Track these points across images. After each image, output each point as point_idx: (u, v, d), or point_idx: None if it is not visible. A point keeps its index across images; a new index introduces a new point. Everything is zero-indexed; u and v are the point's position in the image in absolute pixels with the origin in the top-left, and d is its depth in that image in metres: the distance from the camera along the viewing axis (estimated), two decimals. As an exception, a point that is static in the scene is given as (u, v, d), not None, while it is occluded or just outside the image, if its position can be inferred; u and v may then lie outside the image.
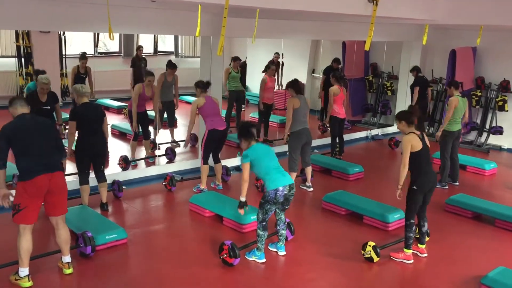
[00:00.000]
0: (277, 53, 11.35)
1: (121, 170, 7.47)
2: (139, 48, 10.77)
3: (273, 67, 9.78)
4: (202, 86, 6.82)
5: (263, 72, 10.11)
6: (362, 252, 5.08)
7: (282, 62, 11.62)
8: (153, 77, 7.89)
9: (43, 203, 4.35)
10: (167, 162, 8.16)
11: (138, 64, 10.40)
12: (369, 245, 5.03)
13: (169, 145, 8.83)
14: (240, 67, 10.22)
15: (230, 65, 9.93)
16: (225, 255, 4.80)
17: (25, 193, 4.17)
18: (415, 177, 4.98)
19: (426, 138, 5.09)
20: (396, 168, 7.50)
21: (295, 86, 6.90)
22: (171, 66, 8.68)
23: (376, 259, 5.00)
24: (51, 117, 6.62)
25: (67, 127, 6.56)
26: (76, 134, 5.83)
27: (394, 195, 5.17)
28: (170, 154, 8.33)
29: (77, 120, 5.70)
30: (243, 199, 4.95)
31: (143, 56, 10.75)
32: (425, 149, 5.00)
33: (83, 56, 8.91)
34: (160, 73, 8.60)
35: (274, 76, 9.86)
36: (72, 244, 4.69)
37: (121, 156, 7.65)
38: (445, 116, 7.48)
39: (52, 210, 4.40)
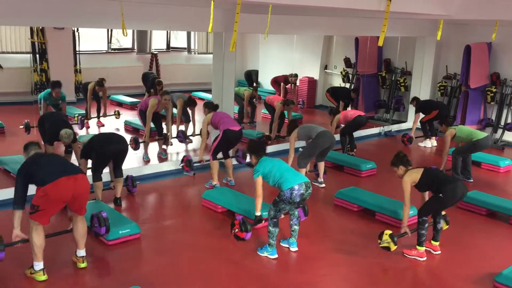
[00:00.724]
0: (294, 75, 11.42)
1: (133, 149, 7.64)
2: (159, 84, 10.04)
3: (292, 106, 9.46)
4: (212, 107, 7.02)
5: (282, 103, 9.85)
6: (379, 241, 5.02)
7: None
8: (169, 96, 7.97)
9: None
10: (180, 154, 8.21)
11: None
12: (386, 234, 4.96)
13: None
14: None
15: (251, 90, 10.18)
16: (237, 230, 4.82)
17: (45, 197, 4.19)
18: (443, 189, 4.90)
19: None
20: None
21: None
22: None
23: (393, 247, 4.93)
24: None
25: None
26: None
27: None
28: (181, 137, 8.37)
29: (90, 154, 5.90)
30: (258, 213, 4.98)
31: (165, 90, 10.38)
32: (427, 168, 5.05)
33: (101, 84, 9.15)
34: (171, 69, 8.64)
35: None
36: (86, 238, 4.73)
37: (132, 137, 7.75)
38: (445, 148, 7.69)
39: (75, 210, 4.49)
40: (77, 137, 6.68)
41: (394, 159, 5.16)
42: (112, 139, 6.03)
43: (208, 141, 7.37)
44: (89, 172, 5.92)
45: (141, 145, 8.10)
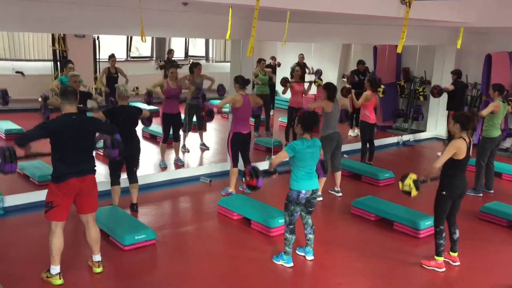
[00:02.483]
0: (301, 54, 11.27)
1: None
2: (170, 51, 10.91)
3: (298, 68, 9.67)
4: (242, 82, 6.72)
5: (290, 76, 10.05)
6: (400, 184, 4.83)
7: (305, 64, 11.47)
8: (175, 69, 7.88)
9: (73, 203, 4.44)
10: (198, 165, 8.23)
11: (169, 67, 10.52)
12: (410, 177, 4.75)
13: (198, 148, 8.89)
14: (270, 69, 10.22)
15: (256, 68, 9.86)
16: (248, 178, 4.74)
17: (58, 192, 4.27)
18: (446, 182, 4.85)
19: (471, 147, 4.91)
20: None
21: (329, 90, 6.78)
22: (196, 65, 8.66)
23: (414, 193, 4.74)
24: None
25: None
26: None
27: (426, 201, 5.06)
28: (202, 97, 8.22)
29: (111, 121, 5.67)
30: (271, 169, 4.85)
31: (174, 59, 10.87)
32: (466, 158, 4.84)
33: (112, 55, 9.33)
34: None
35: (301, 79, 9.74)
36: (102, 244, 4.75)
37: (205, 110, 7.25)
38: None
39: (82, 208, 4.49)
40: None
41: (458, 114, 4.88)
42: (128, 140, 5.67)
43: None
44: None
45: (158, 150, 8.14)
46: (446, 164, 4.79)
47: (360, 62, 10.62)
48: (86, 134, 4.40)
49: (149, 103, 7.65)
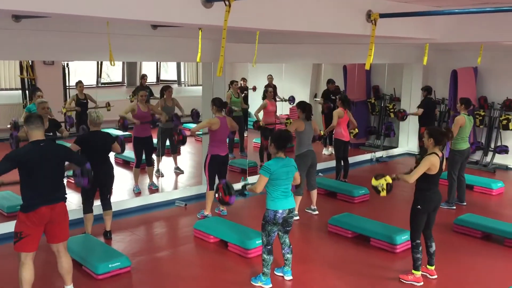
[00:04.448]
0: (270, 75, 11.41)
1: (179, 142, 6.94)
2: (143, 77, 10.86)
3: (270, 89, 9.78)
4: (219, 104, 6.69)
5: (262, 98, 10.15)
6: (373, 180, 4.83)
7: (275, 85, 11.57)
8: (145, 92, 7.84)
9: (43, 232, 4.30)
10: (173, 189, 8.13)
11: (139, 89, 10.45)
12: (386, 180, 4.76)
13: (172, 172, 8.80)
14: (241, 91, 10.27)
15: (229, 90, 9.95)
16: (221, 194, 4.67)
17: (27, 221, 4.13)
18: (420, 196, 4.91)
19: (444, 161, 5.00)
20: (402, 188, 7.45)
21: (305, 110, 6.79)
22: (166, 88, 8.66)
23: (384, 194, 4.77)
24: None
25: None
26: None
27: (401, 216, 5.10)
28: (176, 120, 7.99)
29: (84, 148, 5.64)
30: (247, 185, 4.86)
31: (147, 84, 10.83)
32: (439, 173, 4.93)
33: (79, 82, 9.29)
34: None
35: (274, 99, 9.81)
36: (74, 273, 4.61)
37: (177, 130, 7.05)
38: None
39: (53, 237, 4.35)
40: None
41: (432, 128, 4.99)
42: (100, 166, 5.63)
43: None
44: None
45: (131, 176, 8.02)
46: (420, 179, 4.85)
47: (330, 81, 10.78)
48: (56, 162, 4.30)
49: (124, 129, 7.55)
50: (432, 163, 4.80)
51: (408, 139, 11.47)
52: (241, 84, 11.13)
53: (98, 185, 5.82)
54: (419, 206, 4.89)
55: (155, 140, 8.30)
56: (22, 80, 10.62)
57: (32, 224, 4.14)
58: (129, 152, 8.79)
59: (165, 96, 8.52)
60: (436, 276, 5.12)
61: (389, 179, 4.78)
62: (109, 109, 8.93)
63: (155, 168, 8.43)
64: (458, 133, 7.25)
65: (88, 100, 9.25)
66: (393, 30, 5.15)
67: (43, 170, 4.16)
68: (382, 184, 4.78)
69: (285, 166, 4.74)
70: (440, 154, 4.88)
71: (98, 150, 5.72)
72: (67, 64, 10.63)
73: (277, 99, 10.56)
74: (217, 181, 6.84)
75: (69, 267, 4.46)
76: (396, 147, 11.50)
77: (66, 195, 4.41)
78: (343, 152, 8.54)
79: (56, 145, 4.59)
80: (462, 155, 7.33)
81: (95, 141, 5.71)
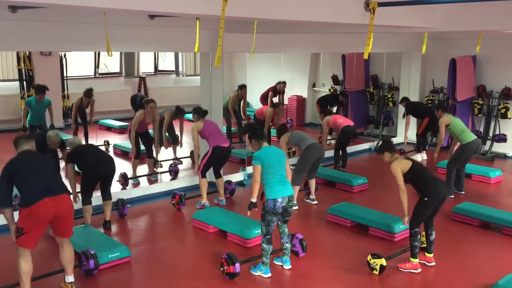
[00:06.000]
0: (283, 82, 11.31)
1: (121, 188, 7.43)
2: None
3: (282, 107, 10.07)
4: (201, 113, 6.83)
5: (271, 106, 10.18)
6: (369, 258, 4.97)
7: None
8: (154, 104, 7.87)
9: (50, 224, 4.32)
10: (171, 179, 8.13)
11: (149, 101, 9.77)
12: (381, 261, 4.90)
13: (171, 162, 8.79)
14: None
15: (236, 91, 10.22)
16: (225, 267, 4.74)
17: (28, 218, 4.12)
18: (425, 190, 4.93)
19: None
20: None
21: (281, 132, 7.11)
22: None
23: (375, 273, 4.92)
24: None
25: None
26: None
27: (399, 205, 5.11)
28: (174, 169, 8.28)
29: (77, 163, 5.84)
30: (254, 200, 4.91)
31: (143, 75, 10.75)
32: (416, 163, 5.02)
33: (90, 94, 8.56)
34: (160, 92, 8.60)
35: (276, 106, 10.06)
36: (75, 263, 4.64)
37: (120, 173, 7.60)
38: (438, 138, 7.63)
39: (59, 232, 4.40)
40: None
41: (381, 146, 5.22)
42: (100, 162, 5.91)
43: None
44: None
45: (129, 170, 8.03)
46: (412, 182, 5.00)
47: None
48: (46, 160, 4.44)
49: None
50: (397, 165, 4.97)
51: (406, 128, 11.47)
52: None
53: (101, 177, 5.90)
54: (426, 199, 4.91)
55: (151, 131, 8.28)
56: (20, 71, 10.57)
57: (34, 220, 4.12)
58: (127, 143, 8.81)
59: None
60: (434, 264, 5.16)
61: (383, 262, 4.90)
62: (107, 147, 9.43)
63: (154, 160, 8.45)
64: (452, 130, 7.38)
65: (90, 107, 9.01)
66: (392, 19, 5.13)
67: (36, 170, 4.25)
68: (377, 264, 4.91)
69: (274, 151, 4.92)
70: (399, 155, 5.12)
71: (92, 152, 6.01)
72: (65, 55, 10.58)
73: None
74: (211, 172, 6.86)
75: (71, 258, 4.48)
76: (394, 136, 11.50)
77: (66, 187, 4.43)
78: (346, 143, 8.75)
79: (41, 154, 4.75)
80: (471, 148, 7.36)
81: (83, 151, 5.95)
